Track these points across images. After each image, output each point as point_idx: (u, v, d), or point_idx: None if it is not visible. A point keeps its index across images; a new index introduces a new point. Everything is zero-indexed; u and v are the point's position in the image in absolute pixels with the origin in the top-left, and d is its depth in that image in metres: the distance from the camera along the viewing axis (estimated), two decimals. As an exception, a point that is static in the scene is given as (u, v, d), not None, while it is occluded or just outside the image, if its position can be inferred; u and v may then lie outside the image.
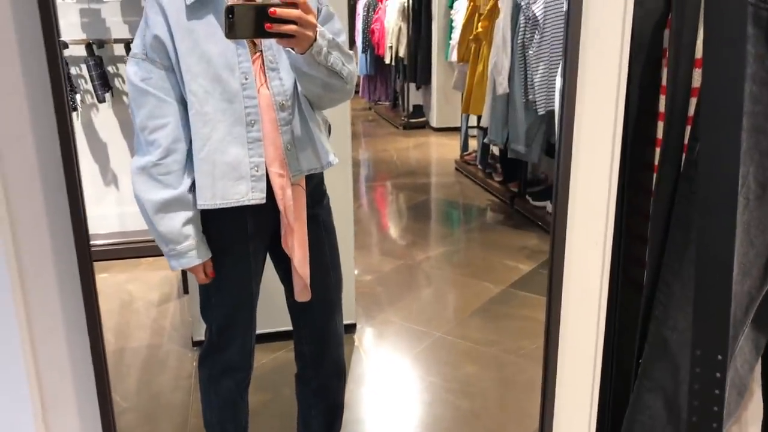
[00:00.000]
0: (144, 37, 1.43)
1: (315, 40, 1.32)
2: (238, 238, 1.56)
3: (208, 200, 1.46)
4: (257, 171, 1.47)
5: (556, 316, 1.07)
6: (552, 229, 1.06)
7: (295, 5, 1.26)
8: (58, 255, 1.11)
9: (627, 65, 1.02)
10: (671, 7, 1.03)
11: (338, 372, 1.80)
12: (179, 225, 1.45)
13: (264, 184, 1.48)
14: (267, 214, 1.54)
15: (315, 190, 1.62)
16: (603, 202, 1.08)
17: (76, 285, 1.08)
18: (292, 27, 1.27)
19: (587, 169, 1.05)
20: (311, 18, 1.30)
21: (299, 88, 1.49)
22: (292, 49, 1.34)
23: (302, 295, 1.61)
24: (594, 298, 1.11)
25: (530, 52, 3.85)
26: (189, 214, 1.46)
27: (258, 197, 1.47)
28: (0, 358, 1.11)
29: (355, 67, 1.54)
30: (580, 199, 1.05)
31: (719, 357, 1.03)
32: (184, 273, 3.12)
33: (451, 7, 6.38)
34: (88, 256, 1.06)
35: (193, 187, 1.47)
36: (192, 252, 1.47)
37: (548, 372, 1.12)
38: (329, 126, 1.66)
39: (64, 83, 0.99)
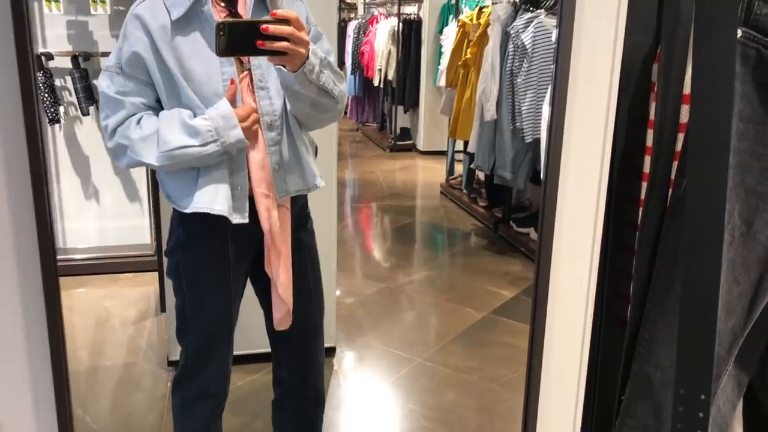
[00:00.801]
0: (120, 51, 1.40)
1: (307, 57, 1.30)
2: (219, 264, 1.51)
3: (196, 204, 1.40)
4: (239, 191, 1.44)
5: (539, 350, 1.05)
6: (536, 263, 1.04)
7: (287, 22, 1.23)
8: (23, 270, 1.06)
9: (616, 98, 1.02)
10: (660, 41, 1.03)
11: (317, 401, 1.76)
12: (185, 119, 1.37)
13: (247, 205, 1.45)
14: (250, 237, 1.50)
15: (300, 212, 1.59)
16: (589, 237, 1.06)
17: (40, 303, 1.03)
18: (285, 44, 1.24)
19: (574, 202, 1.04)
20: (304, 35, 1.27)
21: (288, 108, 1.47)
22: (284, 66, 1.31)
23: (283, 322, 1.57)
24: (578, 334, 1.09)
25: (518, 80, 3.88)
26: (182, 114, 1.38)
27: (240, 217, 1.43)
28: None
29: (346, 87, 1.52)
30: (566, 233, 1.04)
31: (702, 396, 1.01)
32: (162, 290, 3.07)
33: (440, 32, 6.45)
34: (53, 273, 1.01)
35: None
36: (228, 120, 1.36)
37: (529, 409, 1.10)
38: (316, 147, 1.64)
39: (35, 95, 0.96)
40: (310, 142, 1.58)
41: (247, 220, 1.44)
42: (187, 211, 1.42)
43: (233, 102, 1.39)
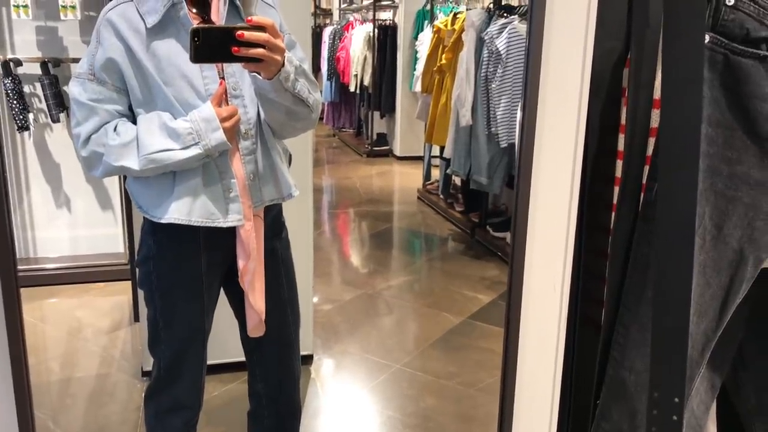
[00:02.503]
0: (93, 57, 1.38)
1: (283, 65, 1.28)
2: (191, 274, 1.49)
3: (173, 214, 1.38)
4: (231, 193, 1.42)
5: (513, 355, 1.05)
6: (509, 270, 1.04)
7: (263, 29, 1.21)
8: None
9: (587, 103, 1.02)
10: (630, 46, 1.04)
11: (293, 412, 1.74)
12: (165, 122, 1.35)
13: (239, 206, 1.42)
14: (222, 246, 1.49)
15: (274, 222, 1.58)
16: (562, 241, 1.06)
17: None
18: (260, 51, 1.22)
19: (546, 206, 1.04)
20: (279, 42, 1.25)
21: (262, 117, 1.45)
22: (259, 74, 1.29)
23: (256, 330, 1.56)
24: (552, 337, 1.09)
25: (493, 85, 3.90)
26: (161, 117, 1.36)
27: (234, 219, 1.42)
28: None
29: (320, 95, 1.51)
30: (538, 237, 1.04)
31: (676, 399, 1.02)
32: (135, 299, 3.02)
33: (416, 38, 6.46)
34: (14, 287, 0.99)
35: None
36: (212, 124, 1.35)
37: (504, 413, 1.09)
38: (290, 156, 1.62)
39: None
40: (284, 150, 1.57)
41: (242, 222, 1.43)
42: (162, 221, 1.39)
43: (220, 103, 1.37)
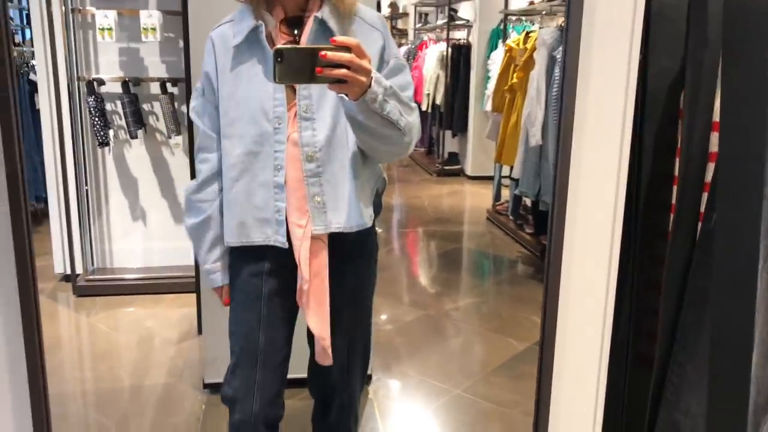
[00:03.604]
0: (202, 73, 1.51)
1: (369, 86, 1.25)
2: (253, 279, 1.53)
3: (234, 238, 1.51)
4: (279, 215, 1.44)
5: (547, 393, 0.98)
6: (543, 305, 0.98)
7: (347, 49, 1.19)
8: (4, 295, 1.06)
9: (630, 126, 0.96)
10: (687, 67, 0.97)
11: None
12: (207, 247, 1.56)
13: (284, 230, 1.46)
14: (289, 264, 1.49)
15: (352, 246, 1.53)
16: (603, 277, 0.99)
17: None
18: (343, 72, 1.19)
19: (585, 234, 0.97)
20: (365, 63, 1.21)
21: (350, 141, 1.44)
22: (346, 95, 1.27)
23: (321, 356, 1.53)
24: (592, 375, 1.02)
25: (564, 104, 3.80)
26: (215, 235, 1.55)
27: (280, 241, 1.46)
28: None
29: (417, 119, 1.44)
30: (576, 265, 0.97)
31: (737, 448, 0.93)
32: (199, 312, 3.10)
33: (489, 57, 6.41)
34: (33, 297, 1.01)
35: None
36: (216, 274, 1.58)
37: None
38: (385, 180, 1.60)
39: (15, 110, 0.95)
40: (377, 176, 1.56)
41: (285, 245, 1.45)
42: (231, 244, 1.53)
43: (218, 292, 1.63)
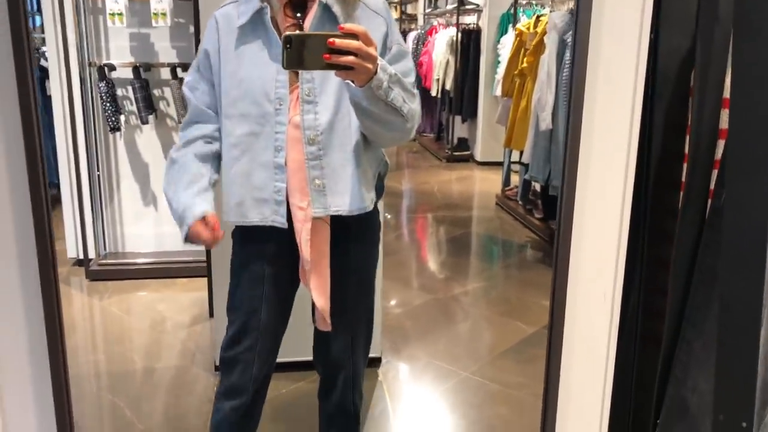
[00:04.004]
0: (200, 49, 1.52)
1: (375, 73, 1.27)
2: (256, 260, 1.56)
3: (232, 217, 1.51)
4: (279, 196, 1.46)
5: (556, 369, 0.99)
6: (553, 277, 0.99)
7: (355, 36, 1.21)
8: (24, 277, 1.08)
9: (641, 103, 0.96)
10: (697, 44, 0.97)
11: (343, 412, 1.75)
12: (183, 186, 1.48)
13: (284, 210, 1.47)
14: (291, 245, 1.52)
15: (355, 225, 1.55)
16: (613, 249, 1.00)
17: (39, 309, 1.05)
18: (350, 59, 1.21)
19: (595, 212, 0.97)
20: (372, 50, 1.24)
21: (352, 125, 1.45)
22: (352, 81, 1.29)
23: (321, 323, 1.60)
24: (601, 352, 1.03)
25: (575, 88, 3.78)
26: (189, 179, 1.49)
27: (279, 221, 1.47)
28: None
29: (418, 106, 1.47)
30: (586, 246, 0.98)
31: (744, 424, 0.94)
32: (210, 296, 3.12)
33: (499, 42, 6.37)
34: (52, 276, 1.03)
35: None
36: (195, 207, 1.46)
37: (546, 427, 1.04)
38: (387, 164, 1.62)
39: (33, 91, 0.97)
40: (379, 160, 1.57)
41: (285, 225, 1.47)
42: (229, 221, 1.51)
43: (202, 227, 1.46)
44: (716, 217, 0.97)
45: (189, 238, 1.47)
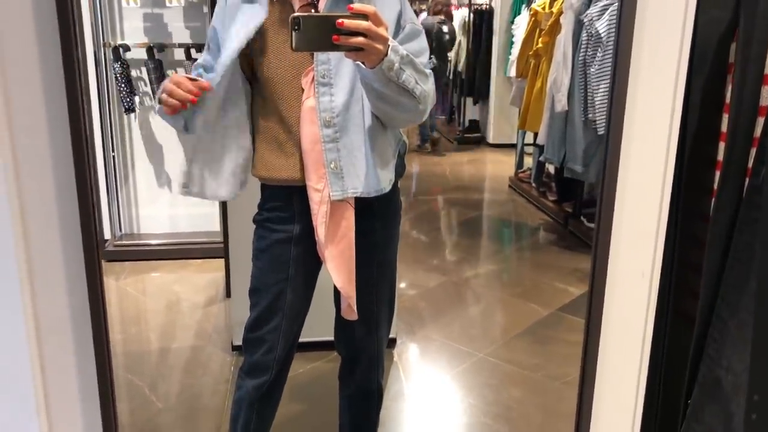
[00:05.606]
0: (210, 27, 1.49)
1: (386, 54, 1.25)
2: (283, 245, 1.54)
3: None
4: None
5: (594, 348, 0.99)
6: (593, 256, 0.98)
7: (364, 17, 1.19)
8: (68, 254, 1.09)
9: (685, 80, 0.94)
10: (740, 16, 0.95)
11: (365, 393, 1.75)
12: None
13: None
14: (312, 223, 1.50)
15: (377, 205, 1.54)
16: (652, 228, 0.99)
17: (83, 286, 1.06)
18: (361, 40, 1.19)
19: (636, 190, 0.96)
20: (382, 31, 1.21)
21: (365, 107, 1.44)
22: (363, 63, 1.27)
23: (347, 312, 1.58)
24: (638, 331, 1.02)
25: (592, 69, 3.74)
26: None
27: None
28: (5, 356, 1.11)
29: (432, 87, 1.44)
30: (626, 224, 0.97)
31: (779, 404, 0.93)
32: (228, 276, 3.14)
33: (512, 22, 6.31)
34: (96, 256, 1.03)
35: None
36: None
37: (583, 406, 1.04)
38: (405, 144, 1.60)
39: (80, 82, 0.97)
40: (396, 140, 1.55)
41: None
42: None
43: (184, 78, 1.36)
44: (754, 194, 0.96)
45: (164, 90, 1.36)
